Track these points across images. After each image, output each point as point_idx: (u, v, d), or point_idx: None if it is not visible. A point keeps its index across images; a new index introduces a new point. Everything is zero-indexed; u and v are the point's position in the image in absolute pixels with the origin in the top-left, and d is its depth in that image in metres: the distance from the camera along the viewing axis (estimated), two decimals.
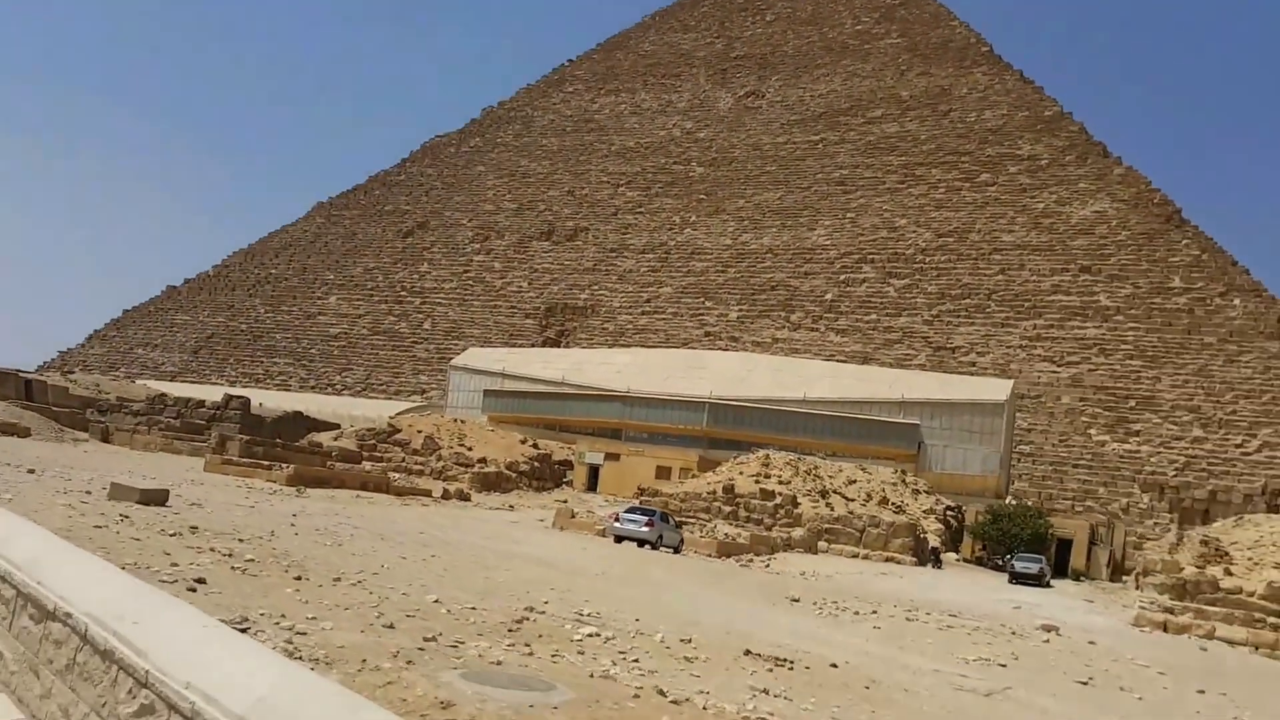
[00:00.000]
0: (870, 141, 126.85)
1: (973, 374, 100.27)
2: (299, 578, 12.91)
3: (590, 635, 12.13)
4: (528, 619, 12.65)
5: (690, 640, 12.73)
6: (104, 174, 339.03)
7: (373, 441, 56.28)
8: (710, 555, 37.03)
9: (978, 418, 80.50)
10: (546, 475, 61.74)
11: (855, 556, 47.26)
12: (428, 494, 45.86)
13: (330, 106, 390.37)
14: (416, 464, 55.10)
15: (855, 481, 59.20)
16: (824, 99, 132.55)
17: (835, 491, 55.61)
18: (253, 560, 13.56)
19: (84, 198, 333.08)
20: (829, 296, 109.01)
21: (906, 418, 79.50)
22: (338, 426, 64.64)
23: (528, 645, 10.94)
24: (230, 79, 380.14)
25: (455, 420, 63.07)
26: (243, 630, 8.84)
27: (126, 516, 15.71)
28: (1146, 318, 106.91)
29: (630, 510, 36.45)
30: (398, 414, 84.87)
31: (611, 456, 65.03)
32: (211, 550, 13.80)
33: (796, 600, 20.75)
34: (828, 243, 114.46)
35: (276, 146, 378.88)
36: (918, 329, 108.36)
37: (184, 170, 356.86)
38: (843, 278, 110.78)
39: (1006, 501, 70.71)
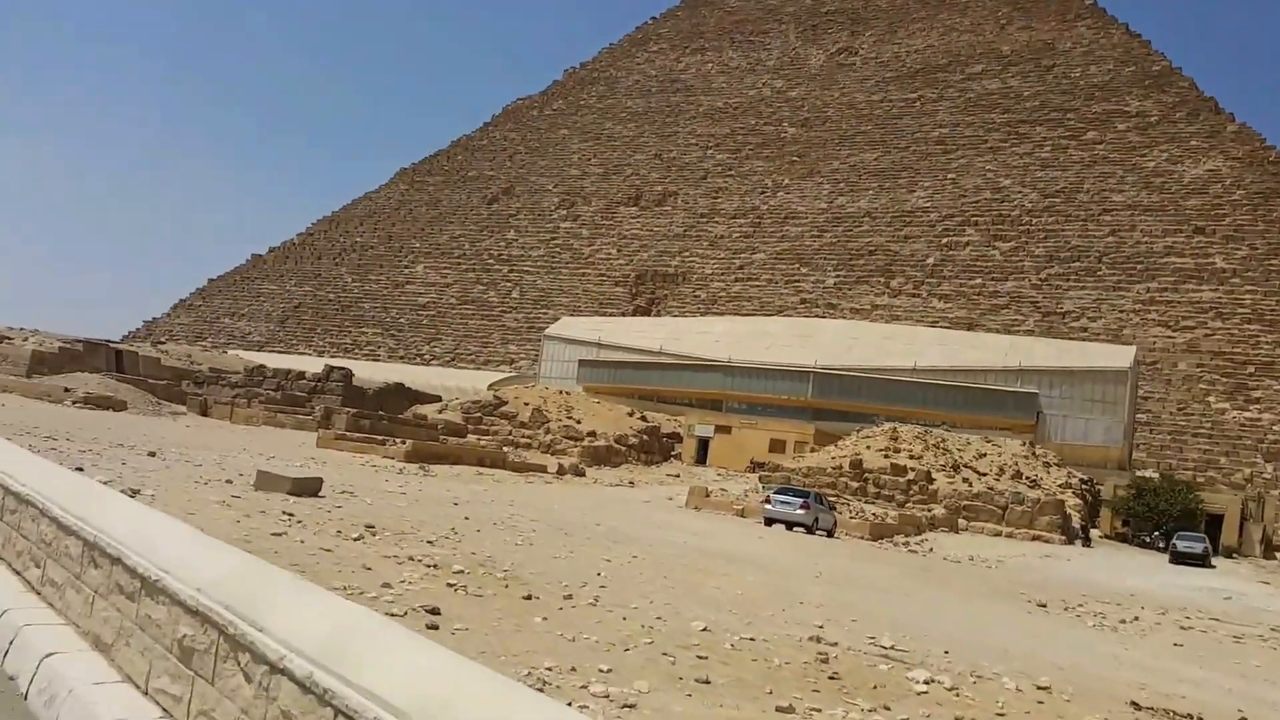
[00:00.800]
0: (970, 99, 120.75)
1: (1084, 339, 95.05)
2: (528, 597, 10.10)
3: (927, 683, 9.11)
4: (828, 656, 9.68)
5: (1047, 687, 9.64)
6: (186, 143, 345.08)
7: (478, 414, 54.00)
8: (863, 537, 33.85)
9: (1099, 386, 75.67)
10: (654, 448, 58.92)
11: (998, 535, 43.76)
12: (542, 469, 43.40)
13: (410, 71, 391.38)
14: (524, 437, 52.71)
15: (985, 455, 55.28)
16: (920, 55, 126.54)
17: (966, 465, 51.84)
18: (463, 573, 10.78)
19: (169, 166, 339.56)
20: (931, 261, 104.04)
21: (1024, 386, 75.05)
22: (437, 399, 62.64)
23: (887, 708, 7.94)
24: (307, 46, 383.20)
25: (560, 392, 60.56)
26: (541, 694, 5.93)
27: (293, 515, 13.12)
28: (1265, 280, 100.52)
29: (781, 491, 33.34)
30: (492, 385, 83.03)
31: (722, 429, 61.95)
32: (411, 560, 11.06)
33: (1043, 605, 17.49)
34: (928, 205, 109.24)
35: (357, 111, 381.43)
36: (1025, 293, 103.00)
37: (266, 139, 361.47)
38: (945, 241, 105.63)
39: (1145, 474, 66.21)
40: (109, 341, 59.74)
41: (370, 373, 73.88)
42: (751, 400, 74.24)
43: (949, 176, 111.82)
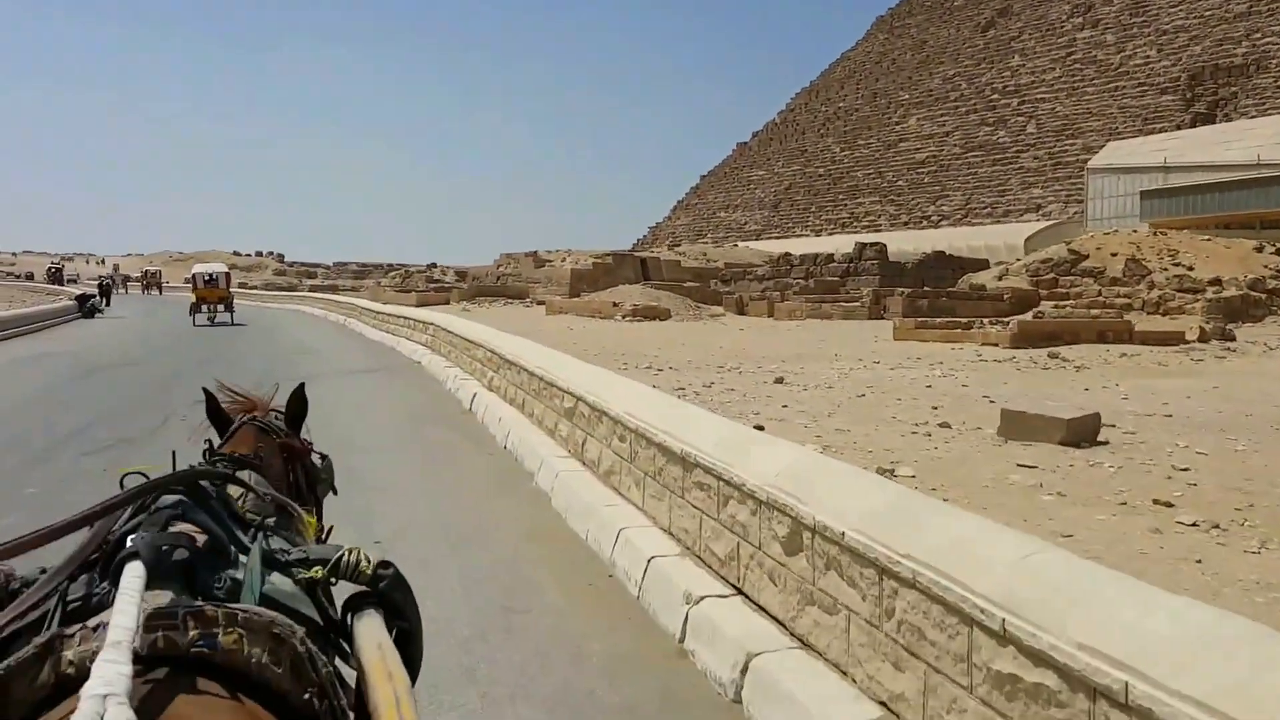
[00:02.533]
0: None
1: None
2: None
3: None
4: None
5: None
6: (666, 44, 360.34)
7: (1050, 275, 43.79)
8: None
9: None
10: None
11: None
12: (1178, 338, 32.73)
13: None
14: (1119, 297, 41.61)
15: None
16: None
17: None
18: None
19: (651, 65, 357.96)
20: None
21: None
22: (983, 264, 53.30)
23: None
24: None
25: (1154, 234, 48.03)
26: None
27: (1128, 497, 6.15)
28: None
29: None
30: (1029, 239, 71.37)
31: None
32: None
33: None
34: None
35: None
36: None
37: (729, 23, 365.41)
38: None
39: None
40: (633, 250, 58.55)
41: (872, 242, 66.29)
42: None
43: None
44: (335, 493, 3.02)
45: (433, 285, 65.66)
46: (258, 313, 49.96)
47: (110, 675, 1.21)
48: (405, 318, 28.04)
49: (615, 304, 35.20)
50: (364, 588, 1.95)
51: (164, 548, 1.66)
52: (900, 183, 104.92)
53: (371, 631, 1.85)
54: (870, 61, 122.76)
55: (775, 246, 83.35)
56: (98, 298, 53.50)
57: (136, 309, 52.01)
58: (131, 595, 1.44)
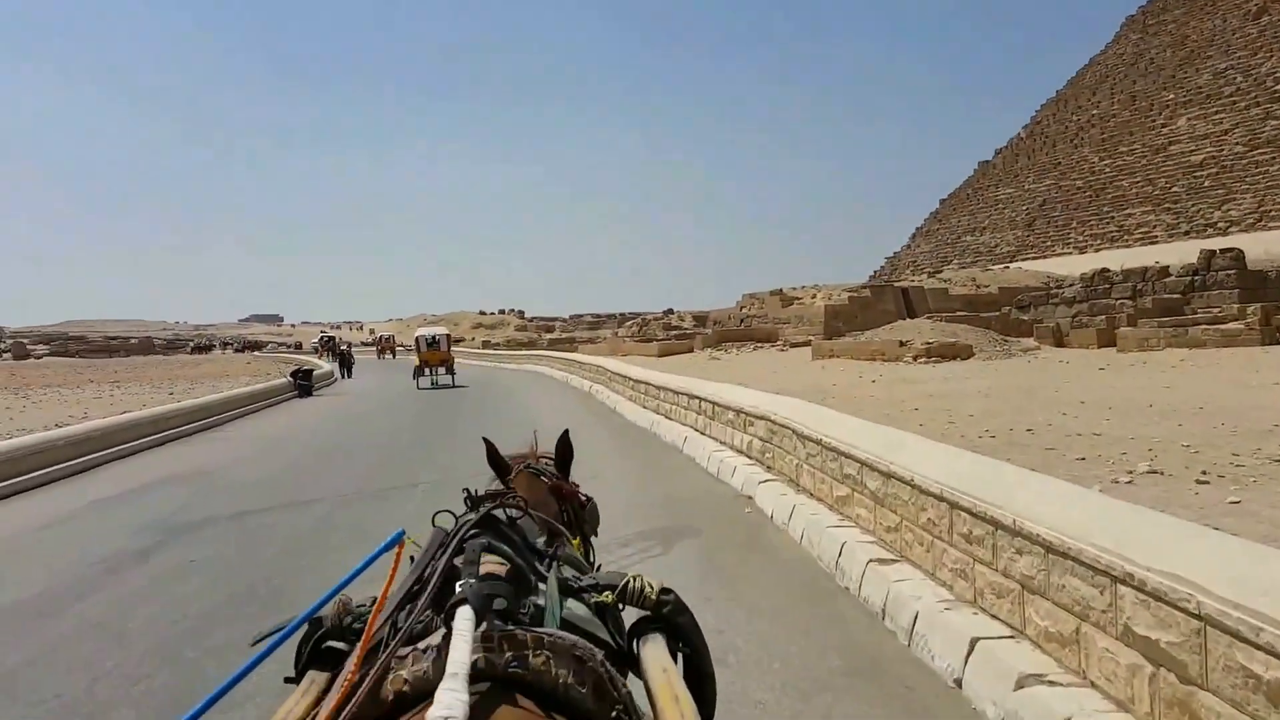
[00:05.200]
0: None
1: None
2: None
3: None
4: None
5: None
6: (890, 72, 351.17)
7: None
8: None
9: None
10: None
11: None
12: None
13: None
14: None
15: None
16: None
17: None
18: None
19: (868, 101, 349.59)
20: None
21: None
22: None
23: None
24: None
25: None
26: None
27: None
28: None
29: None
30: None
31: None
32: None
33: None
34: None
35: None
36: None
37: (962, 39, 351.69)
38: None
39: None
40: (891, 282, 53.85)
41: (1158, 256, 57.36)
42: None
43: None
44: (596, 534, 3.17)
45: (673, 332, 63.70)
46: (490, 377, 48.16)
47: (450, 700, 1.43)
48: (693, 396, 17.06)
49: (902, 343, 30.81)
50: (648, 613, 2.01)
51: (485, 594, 1.77)
52: (1176, 189, 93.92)
53: (657, 655, 1.92)
54: (1124, 64, 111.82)
55: (1038, 267, 75.95)
56: (335, 367, 53.25)
57: (369, 380, 49.87)
58: (465, 636, 1.61)
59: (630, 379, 24.46)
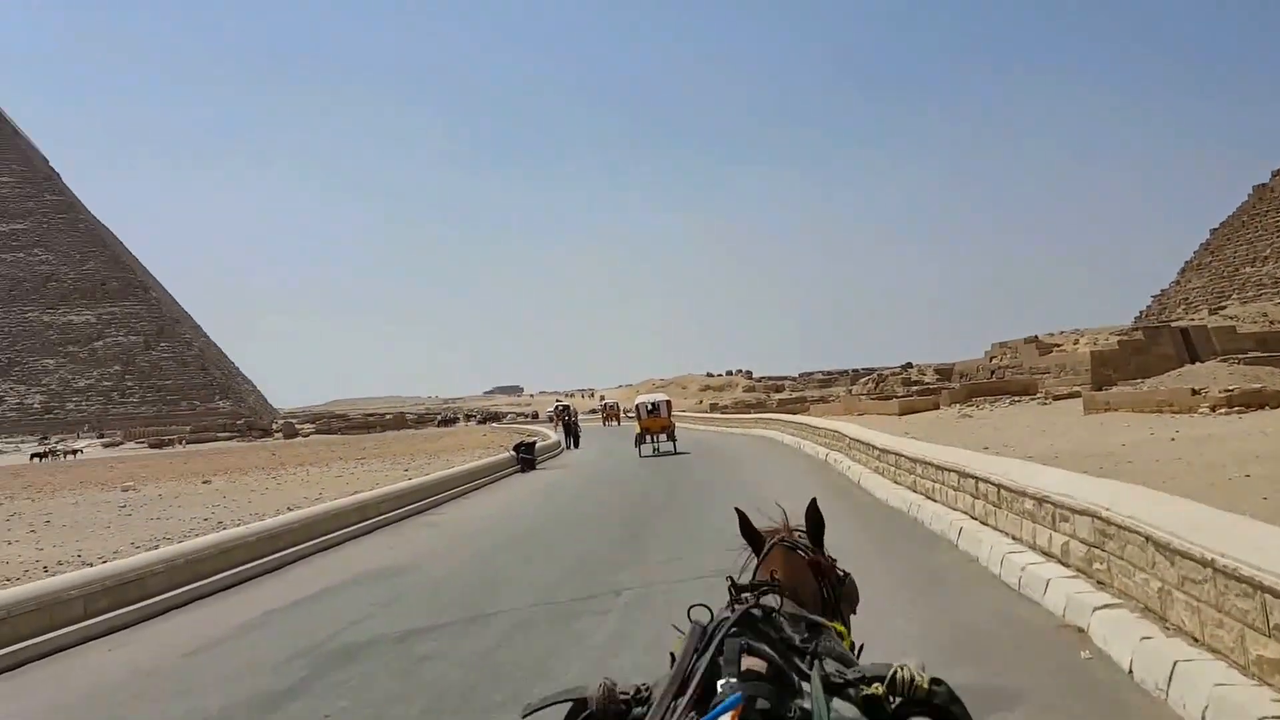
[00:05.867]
0: None
1: None
2: None
3: None
4: None
5: None
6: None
7: None
8: None
9: None
10: None
11: None
12: None
13: None
14: None
15: None
16: None
17: None
18: None
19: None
20: None
21: None
22: None
23: None
24: None
25: None
26: None
27: None
28: None
29: None
30: None
31: None
32: None
33: None
34: None
35: None
36: None
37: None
38: None
39: None
40: (1168, 322, 47.16)
41: None
42: None
43: None
44: (855, 613, 3.01)
45: (914, 388, 58.96)
46: (715, 442, 46.19)
47: None
48: (965, 474, 13.12)
49: (1195, 391, 25.61)
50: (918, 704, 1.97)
51: (749, 695, 1.85)
52: None
53: None
54: None
55: None
56: (562, 437, 52.51)
57: (593, 449, 48.69)
58: None
59: (875, 447, 20.69)
